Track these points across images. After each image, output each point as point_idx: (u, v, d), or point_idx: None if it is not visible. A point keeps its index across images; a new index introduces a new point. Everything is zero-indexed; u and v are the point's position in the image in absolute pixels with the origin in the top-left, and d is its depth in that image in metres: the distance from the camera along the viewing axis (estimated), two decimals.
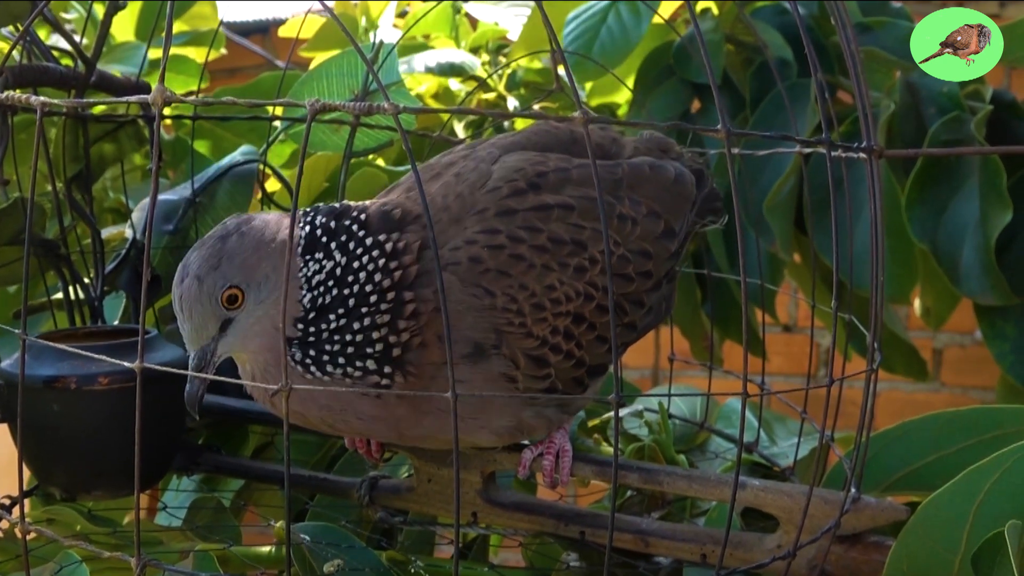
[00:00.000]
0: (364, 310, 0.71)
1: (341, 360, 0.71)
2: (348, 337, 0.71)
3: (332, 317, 0.71)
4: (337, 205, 0.74)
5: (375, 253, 0.72)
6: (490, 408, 0.76)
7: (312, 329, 0.72)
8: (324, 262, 0.71)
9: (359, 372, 0.71)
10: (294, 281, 0.71)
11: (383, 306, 0.71)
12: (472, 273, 0.73)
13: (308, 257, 0.72)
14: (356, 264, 0.71)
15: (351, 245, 0.72)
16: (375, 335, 0.71)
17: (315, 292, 0.71)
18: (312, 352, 0.72)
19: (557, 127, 0.86)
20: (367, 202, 0.77)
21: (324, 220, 0.73)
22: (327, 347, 0.71)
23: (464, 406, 0.74)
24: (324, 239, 0.72)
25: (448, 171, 0.80)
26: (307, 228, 0.72)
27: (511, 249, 0.74)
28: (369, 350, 0.71)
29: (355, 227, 0.73)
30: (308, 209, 0.74)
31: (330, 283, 0.71)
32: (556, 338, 0.75)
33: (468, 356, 0.73)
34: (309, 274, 0.71)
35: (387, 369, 0.71)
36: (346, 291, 0.71)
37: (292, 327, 0.72)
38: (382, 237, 0.73)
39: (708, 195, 0.89)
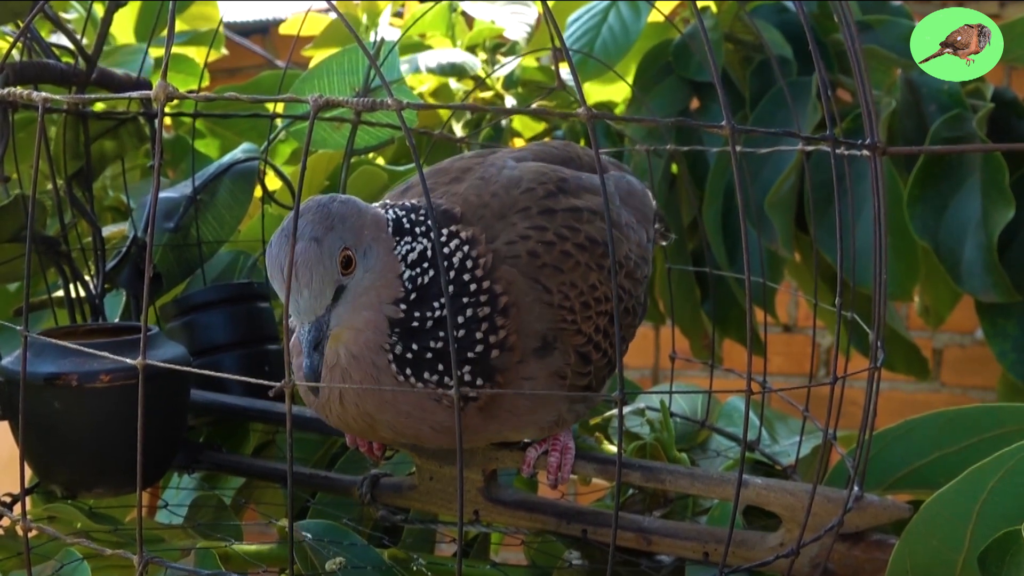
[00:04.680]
0: (465, 300, 0.71)
1: (441, 366, 0.70)
2: (454, 333, 0.70)
3: (436, 305, 0.70)
4: (406, 203, 0.74)
5: (455, 243, 0.72)
6: (546, 404, 0.76)
7: (417, 315, 0.70)
8: (415, 244, 0.71)
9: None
10: (391, 258, 0.70)
11: (482, 297, 0.71)
12: (531, 267, 0.74)
13: (398, 239, 0.71)
14: (445, 251, 0.72)
15: (431, 235, 0.71)
16: (478, 334, 0.70)
17: (414, 271, 0.70)
18: (415, 347, 0.70)
19: (554, 146, 0.90)
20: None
21: (403, 212, 0.72)
22: (431, 343, 0.70)
23: (524, 404, 0.75)
24: (408, 226, 0.71)
25: (468, 175, 0.81)
26: (392, 213, 0.72)
27: (560, 246, 0.75)
28: (470, 354, 0.70)
29: (428, 222, 0.72)
30: (379, 204, 0.74)
31: (425, 264, 0.70)
32: (598, 336, 0.77)
33: (537, 351, 0.73)
34: (404, 252, 0.70)
35: (479, 381, 0.71)
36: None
37: (395, 307, 0.70)
38: (454, 228, 0.73)
39: (655, 213, 0.94)
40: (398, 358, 0.70)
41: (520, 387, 0.73)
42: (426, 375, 0.70)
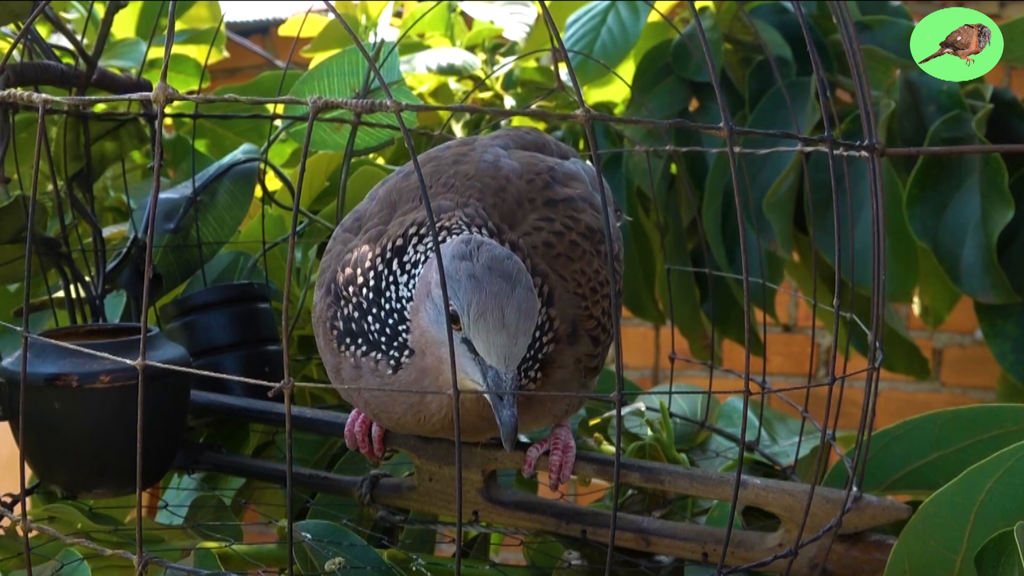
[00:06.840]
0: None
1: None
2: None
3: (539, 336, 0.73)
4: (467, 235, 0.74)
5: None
6: (567, 390, 0.78)
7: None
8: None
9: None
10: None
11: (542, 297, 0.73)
12: (548, 258, 0.76)
13: None
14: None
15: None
16: (545, 337, 0.73)
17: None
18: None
19: (526, 131, 0.91)
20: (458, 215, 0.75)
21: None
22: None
23: (555, 389, 0.76)
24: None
25: (466, 159, 0.81)
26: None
27: (568, 235, 0.77)
28: (539, 356, 0.73)
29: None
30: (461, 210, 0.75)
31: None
32: (604, 319, 0.78)
33: (569, 337, 0.75)
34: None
35: (538, 375, 0.74)
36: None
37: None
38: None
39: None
40: None
41: (555, 375, 0.75)
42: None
